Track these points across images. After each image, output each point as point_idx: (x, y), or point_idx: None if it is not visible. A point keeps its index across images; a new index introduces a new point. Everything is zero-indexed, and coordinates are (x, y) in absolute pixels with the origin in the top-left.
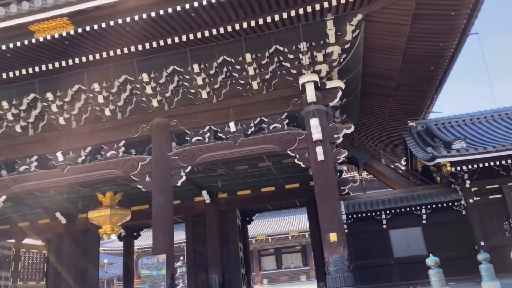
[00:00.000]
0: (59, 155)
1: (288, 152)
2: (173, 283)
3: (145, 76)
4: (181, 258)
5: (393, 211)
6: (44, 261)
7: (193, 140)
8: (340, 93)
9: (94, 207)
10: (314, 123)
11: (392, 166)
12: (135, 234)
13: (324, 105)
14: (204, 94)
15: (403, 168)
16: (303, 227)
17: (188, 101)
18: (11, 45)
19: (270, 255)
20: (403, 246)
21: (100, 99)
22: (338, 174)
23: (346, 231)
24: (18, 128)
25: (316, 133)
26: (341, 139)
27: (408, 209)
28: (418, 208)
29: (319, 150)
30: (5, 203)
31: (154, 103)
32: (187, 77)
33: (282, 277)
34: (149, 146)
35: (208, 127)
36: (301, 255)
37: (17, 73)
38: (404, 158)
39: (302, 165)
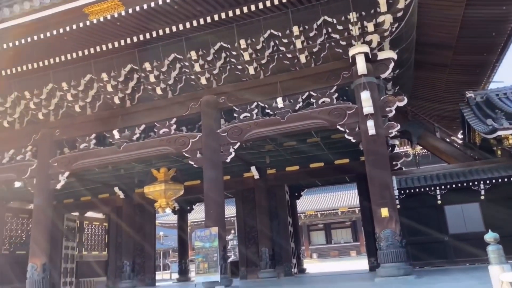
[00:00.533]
0: (116, 133)
1: (338, 126)
2: (225, 255)
3: (193, 54)
4: (232, 231)
5: (448, 187)
6: (105, 232)
7: (241, 116)
8: (392, 64)
9: (149, 182)
10: (365, 96)
11: (447, 140)
12: (188, 208)
13: (375, 77)
14: (251, 70)
15: (459, 142)
16: (353, 203)
17: (235, 78)
18: (68, 28)
19: (320, 230)
20: (459, 222)
21: (152, 78)
22: (390, 148)
23: (398, 206)
24: (77, 108)
25: (367, 107)
26: (393, 112)
27: (465, 184)
28: (476, 183)
29: (370, 124)
30: (68, 178)
31: (203, 80)
32: (234, 53)
33: (331, 252)
34: (199, 124)
35: (255, 103)
36: (351, 231)
37: (74, 55)
38: (461, 131)
39: (352, 140)
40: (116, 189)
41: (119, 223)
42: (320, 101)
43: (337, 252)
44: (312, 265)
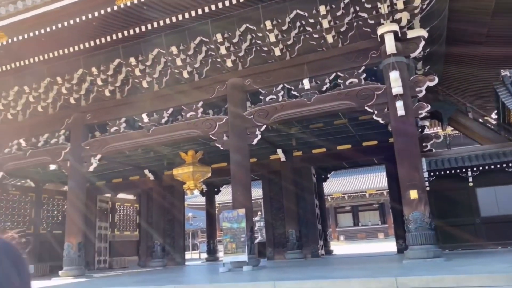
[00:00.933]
0: (145, 117)
1: (366, 108)
2: (252, 236)
3: (218, 37)
4: (259, 213)
5: (481, 168)
6: (136, 213)
7: (267, 99)
8: (422, 43)
9: (178, 164)
10: (394, 76)
11: (480, 120)
12: (215, 190)
13: (404, 56)
14: (277, 52)
15: (493, 122)
16: (380, 185)
17: (261, 60)
18: (96, 13)
19: (347, 213)
20: (491, 205)
21: (178, 62)
22: (420, 129)
23: (428, 188)
24: (107, 92)
25: (396, 87)
26: (424, 92)
27: (498, 166)
28: (511, 165)
29: (399, 104)
30: (100, 161)
31: (228, 63)
32: (260, 34)
33: (359, 234)
34: (225, 106)
35: (281, 85)
36: (378, 213)
37: (103, 40)
38: (495, 111)
39: (381, 121)
40: (146, 171)
41: (150, 204)
42: (347, 82)
43: (365, 234)
44: (339, 247)
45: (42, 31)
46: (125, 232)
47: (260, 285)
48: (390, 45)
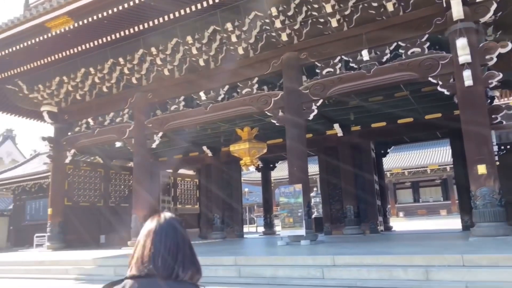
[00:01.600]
0: (202, 94)
1: (429, 78)
2: (309, 211)
3: (273, 10)
4: (314, 189)
5: None
6: (196, 188)
7: (324, 72)
8: (494, 6)
9: (234, 141)
10: (461, 43)
11: None
12: (271, 165)
13: (473, 21)
14: (334, 23)
15: None
16: (443, 160)
17: (317, 32)
18: None
19: (406, 189)
20: None
21: (233, 38)
22: (489, 100)
23: (497, 163)
24: (166, 72)
25: (464, 55)
26: (495, 60)
27: None
28: None
29: (466, 74)
30: (162, 138)
31: (283, 37)
32: (316, 6)
33: (419, 210)
34: (280, 82)
35: (339, 58)
36: (441, 189)
37: (161, 19)
38: None
39: (446, 93)
40: (205, 147)
41: (209, 179)
42: (409, 52)
43: (425, 211)
44: (399, 224)
45: (105, 13)
46: (187, 206)
47: (319, 258)
48: (457, 10)
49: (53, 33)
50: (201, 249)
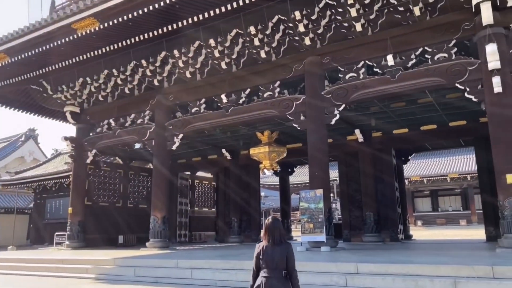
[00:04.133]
0: (223, 97)
1: (457, 85)
2: (330, 216)
3: (297, 14)
4: (331, 195)
5: None
6: (213, 191)
7: (347, 77)
8: None
9: (254, 144)
10: (491, 49)
11: None
12: (289, 170)
13: (503, 27)
14: (358, 27)
15: None
16: (464, 169)
17: (341, 36)
18: None
19: (425, 197)
20: None
21: (256, 42)
22: None
23: None
24: (187, 74)
25: (493, 61)
26: None
27: None
28: None
29: (496, 80)
30: (182, 140)
31: (307, 41)
32: (340, 10)
33: (438, 220)
34: (301, 86)
35: (362, 62)
36: (460, 198)
37: (185, 22)
38: None
39: (474, 99)
40: (224, 150)
41: (227, 182)
42: (436, 57)
43: (444, 220)
44: (417, 233)
45: (130, 15)
46: (203, 209)
47: (342, 265)
48: (486, 16)
49: (79, 35)
50: (219, 252)
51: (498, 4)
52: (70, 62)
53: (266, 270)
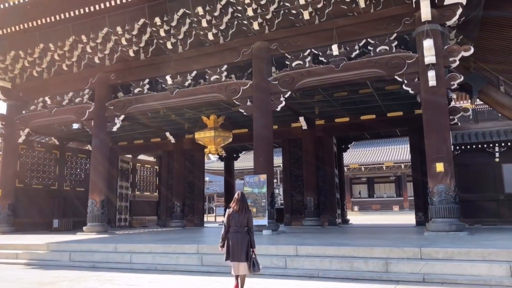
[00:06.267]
0: (168, 79)
1: (396, 77)
2: (272, 201)
3: None
4: (275, 181)
5: (509, 144)
6: (156, 175)
7: (293, 64)
8: (460, 10)
9: (199, 128)
10: (428, 44)
11: None
12: (234, 155)
13: (439, 24)
14: (306, 15)
15: None
16: (399, 158)
17: (289, 23)
18: None
19: (362, 184)
20: None
21: (204, 23)
22: (448, 101)
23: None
24: (131, 53)
25: (429, 56)
26: (457, 62)
27: None
28: None
29: (431, 74)
30: (123, 122)
31: (255, 25)
32: None
33: (373, 205)
34: (248, 71)
35: (309, 51)
36: (394, 186)
37: None
38: None
39: (411, 91)
40: (167, 134)
41: (170, 166)
42: (378, 49)
43: (379, 206)
44: (354, 217)
45: None
46: (145, 193)
47: (282, 248)
48: (425, 12)
49: (11, 3)
50: (160, 236)
51: (436, 2)
52: (0, 33)
53: (235, 227)
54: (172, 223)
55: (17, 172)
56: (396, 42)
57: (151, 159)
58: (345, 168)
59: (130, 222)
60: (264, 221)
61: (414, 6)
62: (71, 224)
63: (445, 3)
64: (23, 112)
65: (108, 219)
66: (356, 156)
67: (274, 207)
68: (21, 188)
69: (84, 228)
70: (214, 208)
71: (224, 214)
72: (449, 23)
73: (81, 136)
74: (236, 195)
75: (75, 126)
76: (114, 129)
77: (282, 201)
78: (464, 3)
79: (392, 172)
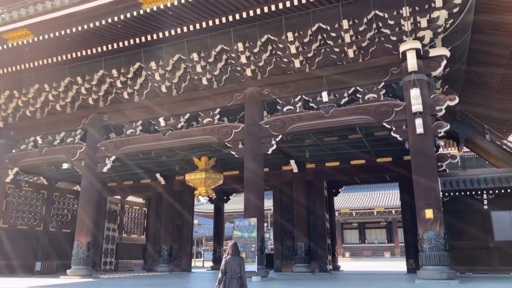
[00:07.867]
0: (161, 121)
1: (384, 124)
2: (262, 246)
3: (240, 46)
4: (265, 224)
5: (497, 191)
6: (144, 217)
7: (284, 109)
8: (444, 62)
9: (190, 170)
10: (414, 93)
11: (497, 143)
12: (225, 197)
13: (426, 74)
14: (297, 63)
15: (510, 145)
16: (389, 203)
17: (280, 71)
18: (122, 17)
19: (353, 229)
20: (506, 229)
21: (198, 68)
22: (435, 149)
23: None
24: (125, 95)
25: (416, 104)
26: (443, 111)
27: None
28: None
29: (418, 122)
30: (113, 162)
31: (248, 72)
32: (281, 46)
33: (364, 251)
34: (241, 115)
35: (299, 97)
36: (386, 231)
37: (126, 43)
38: None
39: (399, 138)
40: (158, 175)
41: (159, 208)
42: (366, 97)
43: (370, 252)
44: (345, 264)
45: (68, 31)
46: (132, 235)
47: None
48: (411, 63)
49: (9, 45)
50: (147, 281)
51: (422, 53)
52: None
53: (230, 273)
54: (159, 268)
55: (2, 212)
56: (384, 90)
57: (140, 200)
58: (336, 213)
59: (115, 265)
60: (253, 267)
61: (401, 57)
62: (54, 267)
63: (430, 54)
64: (13, 151)
65: (93, 262)
66: (347, 200)
67: (264, 253)
68: (5, 228)
69: (68, 271)
70: (202, 252)
71: (213, 259)
72: (434, 73)
73: (70, 176)
74: (230, 244)
75: (65, 166)
76: (105, 169)
77: (272, 246)
78: (448, 55)
79: (383, 217)
